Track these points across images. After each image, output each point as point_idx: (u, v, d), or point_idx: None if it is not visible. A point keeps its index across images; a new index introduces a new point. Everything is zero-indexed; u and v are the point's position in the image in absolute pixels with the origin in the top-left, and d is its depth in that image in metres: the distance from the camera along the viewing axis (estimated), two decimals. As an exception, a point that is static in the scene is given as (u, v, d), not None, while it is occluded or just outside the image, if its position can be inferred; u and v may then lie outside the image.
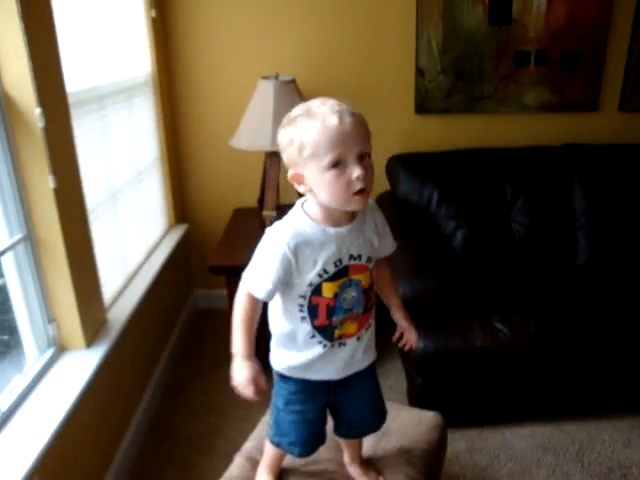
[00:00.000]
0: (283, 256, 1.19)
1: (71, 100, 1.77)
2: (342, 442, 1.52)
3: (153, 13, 2.63)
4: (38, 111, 1.54)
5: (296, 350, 1.32)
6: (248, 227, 2.79)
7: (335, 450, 1.55)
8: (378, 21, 2.82)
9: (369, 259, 1.28)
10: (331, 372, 1.34)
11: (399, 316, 1.48)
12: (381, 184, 2.90)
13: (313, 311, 1.26)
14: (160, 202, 2.86)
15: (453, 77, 2.88)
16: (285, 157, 1.19)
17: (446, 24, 2.79)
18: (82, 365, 1.76)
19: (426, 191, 2.70)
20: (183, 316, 3.03)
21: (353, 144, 1.11)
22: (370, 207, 1.30)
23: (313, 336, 1.29)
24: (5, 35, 1.49)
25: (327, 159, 1.11)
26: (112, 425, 2.04)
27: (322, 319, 1.27)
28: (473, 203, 2.69)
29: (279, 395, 1.39)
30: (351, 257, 1.24)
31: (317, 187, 1.16)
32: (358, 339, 1.33)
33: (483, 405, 2.31)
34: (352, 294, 1.26)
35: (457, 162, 2.79)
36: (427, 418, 1.70)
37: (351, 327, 1.30)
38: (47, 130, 1.58)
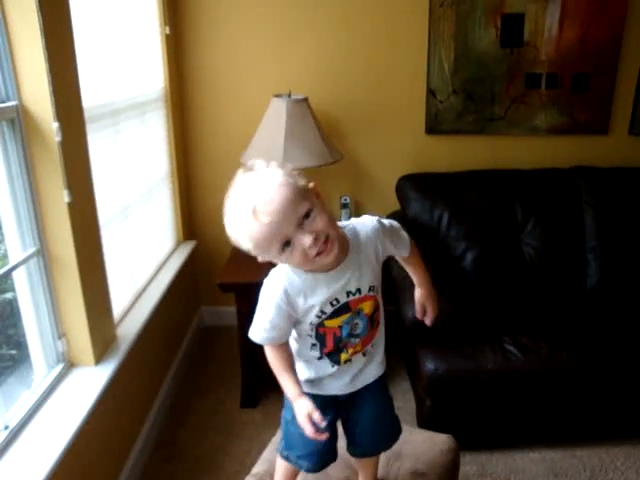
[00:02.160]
0: (278, 307, 1.22)
1: (86, 115, 1.78)
2: (357, 463, 1.51)
3: (167, 30, 2.65)
4: (55, 126, 1.54)
5: (303, 368, 1.34)
6: (257, 244, 2.77)
7: (350, 470, 1.53)
8: (391, 42, 2.84)
9: (372, 288, 1.27)
10: (338, 388, 1.35)
11: (422, 295, 1.49)
12: (391, 204, 2.90)
13: (321, 339, 1.28)
14: (169, 218, 2.86)
15: (464, 98, 2.89)
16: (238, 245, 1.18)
17: (458, 45, 2.80)
18: (91, 382, 1.75)
19: (436, 212, 2.69)
20: (190, 333, 3.01)
21: (286, 224, 1.09)
22: (367, 232, 1.27)
23: (321, 358, 1.31)
24: (26, 50, 1.50)
25: (274, 249, 1.11)
26: (118, 442, 2.01)
27: (330, 347, 1.29)
28: (484, 224, 2.68)
29: (288, 408, 1.38)
30: (349, 293, 1.24)
31: (283, 262, 1.19)
32: (364, 354, 1.34)
33: (493, 428, 2.28)
34: (357, 322, 1.28)
35: (468, 183, 2.78)
36: (440, 441, 1.68)
37: (356, 347, 1.31)
38: (63, 145, 1.58)
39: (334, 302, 1.23)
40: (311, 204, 1.12)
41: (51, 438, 1.51)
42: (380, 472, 1.55)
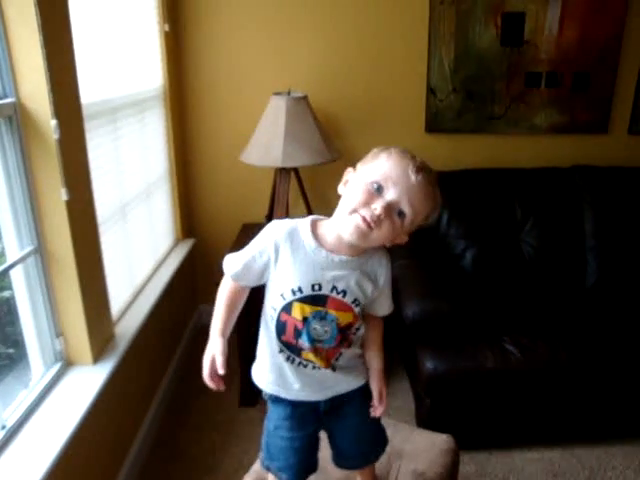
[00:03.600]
0: (264, 248, 1.21)
1: (85, 112, 1.76)
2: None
3: (166, 27, 2.64)
4: (53, 123, 1.53)
5: (266, 360, 1.31)
6: (256, 243, 2.76)
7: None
8: (391, 40, 2.83)
9: (356, 301, 1.23)
10: (306, 392, 1.30)
11: (375, 381, 1.37)
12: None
13: (280, 327, 1.23)
14: (168, 216, 2.85)
15: (464, 97, 2.88)
16: (362, 162, 1.21)
17: (458, 44, 2.80)
18: (89, 381, 1.73)
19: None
20: (188, 331, 3.01)
21: (402, 191, 1.12)
22: (380, 258, 1.27)
23: (281, 350, 1.26)
24: (24, 47, 1.49)
25: (375, 176, 1.13)
26: (117, 442, 2.01)
27: (289, 337, 1.24)
28: (483, 223, 2.67)
29: (269, 419, 1.37)
30: (334, 289, 1.20)
31: (348, 192, 1.17)
32: (333, 369, 1.29)
33: (492, 428, 2.28)
34: (325, 328, 1.22)
35: (467, 182, 2.78)
36: (440, 441, 1.67)
37: (320, 361, 1.26)
38: (61, 142, 1.57)
39: (316, 286, 1.19)
40: (409, 223, 1.15)
41: (49, 437, 1.50)
42: (380, 471, 1.55)
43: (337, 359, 1.29)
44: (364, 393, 1.37)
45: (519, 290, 2.61)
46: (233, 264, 1.25)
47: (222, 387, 1.23)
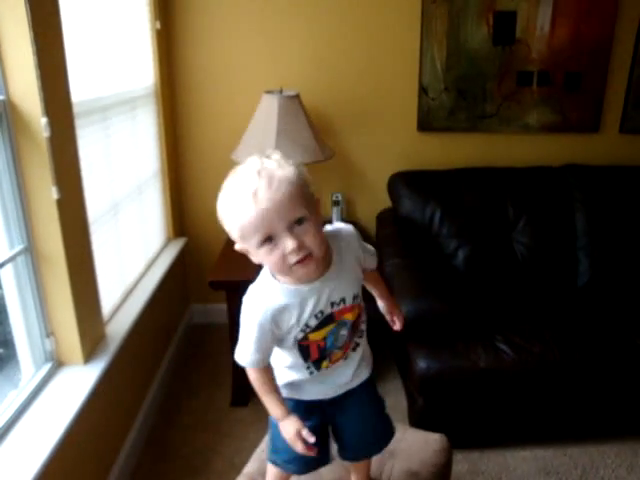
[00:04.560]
0: (261, 326, 1.17)
1: (75, 110, 1.75)
2: (350, 465, 1.49)
3: (158, 25, 2.62)
4: (44, 121, 1.52)
5: (282, 373, 1.31)
6: (248, 242, 2.76)
7: (342, 470, 1.52)
8: (383, 38, 2.83)
9: (356, 298, 1.24)
10: (320, 392, 1.32)
11: (387, 303, 1.43)
12: (383, 201, 2.89)
13: (305, 351, 1.24)
14: (159, 215, 2.84)
15: (456, 95, 2.89)
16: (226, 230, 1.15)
17: (450, 43, 2.80)
18: (80, 381, 1.72)
19: (428, 209, 2.69)
20: (180, 331, 2.99)
21: (278, 219, 1.05)
22: (347, 236, 1.26)
23: (307, 367, 1.28)
24: (14, 45, 1.47)
25: (254, 240, 1.07)
26: (108, 442, 1.99)
27: (314, 357, 1.25)
28: (475, 222, 2.68)
29: None
30: (333, 304, 1.20)
31: (259, 260, 1.13)
32: (345, 358, 1.31)
33: (485, 427, 2.28)
34: (342, 332, 1.24)
35: (459, 181, 2.78)
36: (433, 440, 1.67)
37: (337, 354, 1.28)
38: (52, 140, 1.56)
39: (318, 315, 1.19)
40: (309, 213, 1.08)
41: (39, 438, 1.49)
42: (373, 471, 1.54)
43: (354, 349, 1.31)
44: (368, 383, 1.38)
45: (511, 289, 2.61)
46: (250, 358, 1.22)
47: (315, 451, 1.23)
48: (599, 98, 2.93)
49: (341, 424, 1.39)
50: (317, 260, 1.12)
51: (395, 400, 2.53)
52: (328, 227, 1.24)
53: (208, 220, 3.09)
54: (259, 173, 1.06)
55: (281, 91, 2.61)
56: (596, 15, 2.79)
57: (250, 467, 1.60)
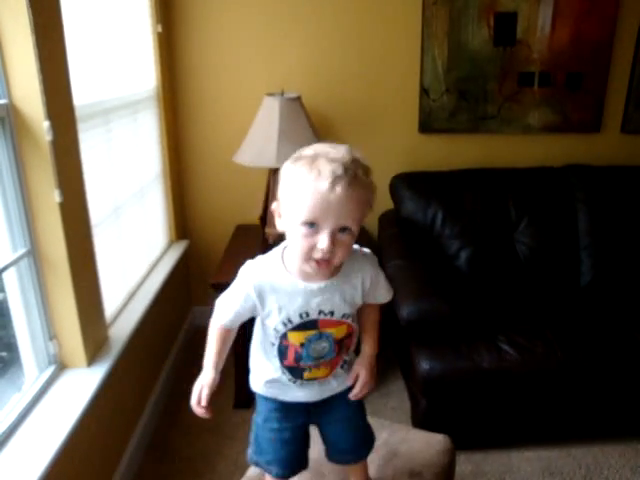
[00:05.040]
0: (247, 296, 1.20)
1: (78, 114, 1.75)
2: (346, 469, 1.48)
3: (159, 28, 2.63)
4: (46, 124, 1.52)
5: (265, 374, 1.31)
6: (250, 244, 2.76)
7: (342, 473, 1.52)
8: (384, 40, 2.83)
9: (345, 315, 1.23)
10: (303, 397, 1.32)
11: (359, 364, 1.34)
12: (384, 203, 2.89)
13: (282, 352, 1.25)
14: (162, 217, 2.84)
15: (457, 97, 2.89)
16: (278, 189, 1.16)
17: (451, 44, 2.80)
18: (83, 384, 1.72)
19: (430, 210, 2.69)
20: (182, 333, 2.99)
21: (333, 216, 1.06)
22: (363, 260, 1.27)
23: (283, 373, 1.28)
24: (16, 48, 1.47)
25: (302, 216, 1.08)
26: (111, 445, 1.99)
27: (290, 361, 1.26)
28: (477, 223, 2.68)
29: (258, 412, 1.38)
30: (321, 312, 1.21)
31: (287, 231, 1.14)
32: (333, 376, 1.32)
33: (488, 427, 2.28)
34: (322, 345, 1.24)
35: (461, 182, 2.78)
36: (436, 441, 1.66)
37: (323, 371, 1.28)
38: (54, 144, 1.56)
39: (304, 315, 1.20)
40: (355, 229, 1.11)
41: (42, 442, 1.49)
42: (376, 472, 1.54)
43: (342, 366, 1.32)
44: (352, 387, 1.37)
45: (514, 289, 2.61)
46: (224, 314, 1.25)
47: (207, 415, 1.26)
48: (600, 98, 2.93)
49: (327, 426, 1.40)
50: (329, 269, 1.16)
51: (398, 401, 2.53)
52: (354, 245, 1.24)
53: (210, 222, 3.10)
54: (347, 169, 1.06)
55: (282, 93, 2.61)
56: (597, 15, 2.79)
57: (253, 469, 1.60)
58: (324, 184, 1.05)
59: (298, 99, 2.57)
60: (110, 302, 2.08)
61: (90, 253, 1.85)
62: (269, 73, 2.86)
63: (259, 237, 2.76)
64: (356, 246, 1.25)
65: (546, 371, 2.13)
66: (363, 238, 3.01)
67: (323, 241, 1.07)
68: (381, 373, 2.68)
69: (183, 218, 3.10)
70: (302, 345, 1.22)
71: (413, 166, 2.92)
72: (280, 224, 1.17)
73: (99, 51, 2.07)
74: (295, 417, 1.35)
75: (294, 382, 1.29)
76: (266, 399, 1.35)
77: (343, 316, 1.23)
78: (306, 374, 1.27)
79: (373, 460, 1.51)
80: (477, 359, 2.12)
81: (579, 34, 2.81)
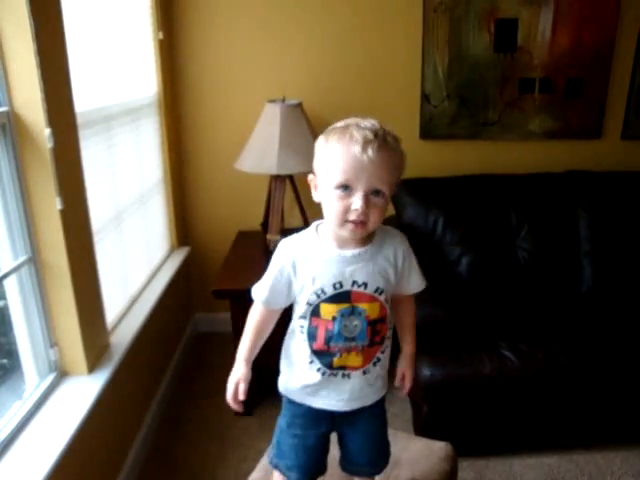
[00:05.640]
0: (282, 267, 1.25)
1: (79, 121, 1.75)
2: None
3: (160, 35, 2.64)
4: (47, 131, 1.52)
5: (295, 373, 1.32)
6: (251, 251, 2.76)
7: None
8: (385, 46, 2.84)
9: (378, 290, 1.24)
10: (334, 402, 1.31)
11: (403, 363, 1.44)
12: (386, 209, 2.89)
13: (312, 333, 1.25)
14: (163, 224, 2.84)
15: (458, 103, 2.89)
16: (313, 162, 1.23)
17: (452, 50, 2.81)
18: (84, 392, 1.72)
19: (431, 217, 2.68)
20: (183, 340, 2.99)
21: (366, 178, 1.12)
22: (394, 238, 1.29)
23: (312, 361, 1.27)
24: (17, 56, 1.48)
25: (336, 179, 1.14)
26: (112, 452, 1.99)
27: (320, 343, 1.25)
28: (478, 229, 2.67)
29: (283, 416, 1.39)
30: (354, 283, 1.22)
31: (323, 199, 1.20)
32: (364, 373, 1.30)
33: (490, 434, 2.27)
34: (354, 322, 1.23)
35: (462, 188, 2.78)
36: (438, 449, 1.66)
37: (355, 359, 1.27)
38: (55, 151, 1.56)
39: (337, 285, 1.21)
40: (388, 193, 1.16)
41: (43, 450, 1.48)
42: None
43: (375, 364, 1.30)
44: (381, 404, 1.39)
45: (515, 296, 2.61)
46: (260, 291, 1.29)
47: (242, 409, 1.34)
48: (601, 104, 2.93)
49: (348, 436, 1.40)
50: (365, 232, 1.19)
51: (400, 408, 2.52)
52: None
53: (212, 229, 3.10)
54: (377, 134, 1.13)
55: (284, 100, 2.62)
56: (597, 21, 2.80)
57: (255, 476, 1.60)
58: (357, 147, 1.11)
59: (299, 105, 2.58)
60: (111, 309, 2.08)
61: (91, 260, 1.85)
62: (270, 80, 2.87)
63: (261, 243, 2.76)
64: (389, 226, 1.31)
65: (548, 377, 2.12)
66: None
67: (357, 202, 1.12)
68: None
69: (184, 225, 3.10)
70: (334, 320, 1.22)
71: (414, 172, 2.90)
72: (316, 195, 1.23)
73: (100, 58, 2.07)
74: (319, 425, 1.35)
75: (323, 374, 1.27)
76: (293, 404, 1.35)
77: (376, 290, 1.24)
78: (336, 360, 1.26)
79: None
80: (478, 366, 2.11)
81: (580, 40, 2.82)
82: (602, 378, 2.15)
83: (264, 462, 1.64)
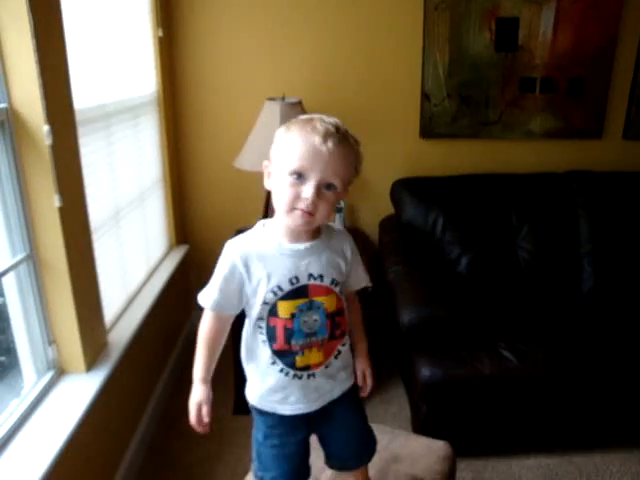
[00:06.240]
0: (232, 266, 1.21)
1: (78, 118, 1.75)
2: (345, 475, 1.47)
3: (160, 32, 2.63)
4: (46, 128, 1.52)
5: (259, 377, 1.29)
6: (251, 249, 2.75)
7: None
8: (385, 45, 2.83)
9: (334, 282, 1.24)
10: (303, 405, 1.29)
11: (361, 362, 1.42)
12: (385, 208, 2.89)
13: (271, 333, 1.23)
14: (162, 222, 2.83)
15: (459, 102, 2.88)
16: (271, 149, 1.22)
17: (452, 49, 2.80)
18: (82, 390, 1.71)
19: (431, 216, 2.68)
20: (182, 338, 2.98)
21: (321, 169, 1.13)
22: (340, 233, 1.32)
23: (274, 362, 1.25)
24: (16, 53, 1.47)
25: (292, 166, 1.13)
26: (110, 451, 1.98)
27: (280, 342, 1.22)
28: (478, 229, 2.67)
29: (258, 429, 1.34)
30: (310, 276, 1.21)
31: (275, 186, 1.19)
32: (326, 367, 1.28)
33: (489, 435, 2.27)
34: (314, 317, 1.22)
35: (462, 187, 2.77)
36: (437, 447, 1.66)
37: (317, 355, 1.25)
38: (54, 148, 1.55)
39: (294, 280, 1.20)
40: (340, 189, 1.17)
41: (41, 447, 1.48)
42: (376, 477, 1.53)
43: (336, 357, 1.29)
44: (351, 392, 1.37)
45: (515, 296, 2.60)
46: (209, 295, 1.24)
47: (207, 430, 1.29)
48: (602, 104, 2.93)
49: (328, 433, 1.38)
50: (312, 224, 1.18)
51: (398, 407, 2.51)
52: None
53: (210, 227, 3.09)
54: (339, 129, 1.15)
55: (283, 98, 2.61)
56: (599, 21, 2.79)
57: (251, 476, 1.59)
58: (317, 137, 1.12)
59: (299, 104, 2.57)
60: (110, 307, 2.07)
61: (90, 258, 1.85)
62: (270, 77, 2.86)
63: (259, 242, 2.75)
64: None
65: (547, 378, 2.12)
66: (364, 242, 3.00)
67: (308, 190, 1.13)
68: (381, 379, 2.67)
69: (183, 222, 3.10)
70: (292, 317, 1.20)
71: (414, 171, 2.91)
72: (268, 183, 1.22)
73: (100, 55, 2.06)
74: (296, 431, 1.32)
75: (286, 374, 1.25)
76: (263, 415, 1.32)
77: (332, 282, 1.24)
78: (298, 359, 1.23)
79: (373, 465, 1.49)
80: (478, 365, 2.11)
81: (581, 40, 2.81)
82: (602, 379, 2.15)
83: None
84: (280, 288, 1.20)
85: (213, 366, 1.29)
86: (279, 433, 1.31)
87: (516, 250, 2.67)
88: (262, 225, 1.27)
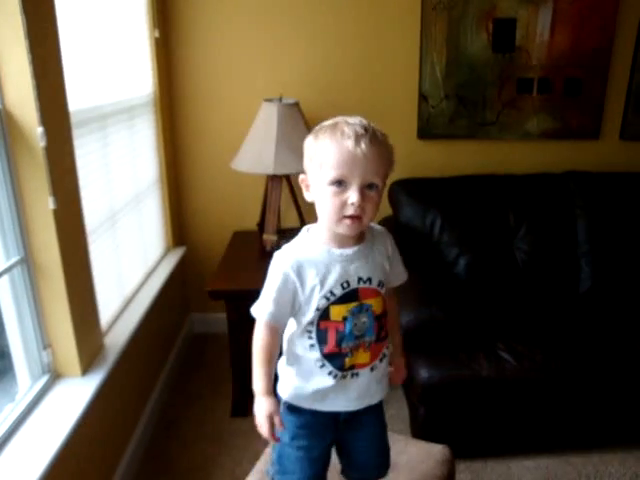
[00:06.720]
0: (285, 276, 1.20)
1: (73, 119, 1.73)
2: None
3: (156, 33, 2.62)
4: (40, 130, 1.50)
5: (305, 379, 1.28)
6: (248, 251, 2.74)
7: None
8: (383, 46, 2.82)
9: (380, 283, 1.25)
10: (342, 403, 1.30)
11: (397, 353, 1.46)
12: (383, 209, 2.87)
13: (322, 337, 1.23)
14: (158, 224, 2.82)
15: (456, 103, 2.88)
16: (304, 161, 1.23)
17: (450, 50, 2.79)
18: (77, 394, 1.70)
19: (429, 217, 2.67)
20: (179, 341, 2.97)
21: (360, 172, 1.12)
22: (381, 232, 1.33)
23: (322, 365, 1.25)
24: (9, 52, 1.46)
25: (330, 175, 1.14)
26: (107, 455, 1.97)
27: (331, 346, 1.23)
28: (476, 230, 2.66)
29: (285, 428, 1.30)
30: (360, 280, 1.22)
31: (317, 198, 1.19)
32: (372, 369, 1.29)
33: (488, 436, 2.26)
34: (362, 319, 1.23)
35: (460, 188, 2.76)
36: (435, 452, 1.65)
37: (363, 356, 1.26)
38: (48, 150, 1.54)
39: (345, 284, 1.21)
40: (382, 185, 1.17)
41: (36, 452, 1.47)
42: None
43: (381, 360, 1.30)
44: (381, 405, 1.39)
45: (513, 297, 2.60)
46: (264, 307, 1.23)
47: (279, 440, 1.26)
48: (599, 105, 2.92)
49: (352, 442, 1.38)
50: (361, 227, 1.20)
51: (396, 409, 2.50)
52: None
53: (208, 229, 3.08)
54: (367, 129, 1.15)
55: (280, 99, 2.60)
56: (596, 21, 2.78)
57: (251, 479, 1.58)
58: (349, 142, 1.12)
59: (296, 105, 2.56)
60: (106, 310, 2.06)
61: (85, 260, 1.83)
62: (267, 78, 2.85)
63: (257, 244, 2.75)
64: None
65: (545, 379, 2.11)
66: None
67: (353, 196, 1.13)
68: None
69: (180, 225, 3.08)
70: (344, 320, 1.21)
71: (412, 172, 2.90)
72: (308, 195, 1.24)
73: (95, 56, 2.05)
74: (324, 434, 1.33)
75: (335, 376, 1.25)
76: (294, 415, 1.31)
77: (379, 284, 1.25)
78: (347, 360, 1.24)
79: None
80: (476, 367, 2.10)
81: (578, 40, 2.80)
82: (600, 379, 2.14)
83: (259, 466, 1.62)
84: (332, 293, 1.20)
85: (272, 375, 1.25)
86: (309, 434, 1.31)
87: (514, 251, 2.66)
88: (306, 230, 1.28)
